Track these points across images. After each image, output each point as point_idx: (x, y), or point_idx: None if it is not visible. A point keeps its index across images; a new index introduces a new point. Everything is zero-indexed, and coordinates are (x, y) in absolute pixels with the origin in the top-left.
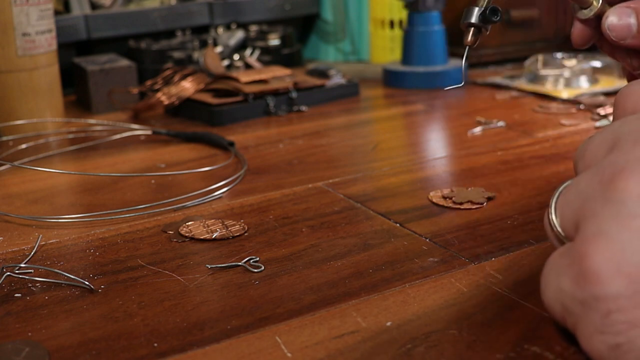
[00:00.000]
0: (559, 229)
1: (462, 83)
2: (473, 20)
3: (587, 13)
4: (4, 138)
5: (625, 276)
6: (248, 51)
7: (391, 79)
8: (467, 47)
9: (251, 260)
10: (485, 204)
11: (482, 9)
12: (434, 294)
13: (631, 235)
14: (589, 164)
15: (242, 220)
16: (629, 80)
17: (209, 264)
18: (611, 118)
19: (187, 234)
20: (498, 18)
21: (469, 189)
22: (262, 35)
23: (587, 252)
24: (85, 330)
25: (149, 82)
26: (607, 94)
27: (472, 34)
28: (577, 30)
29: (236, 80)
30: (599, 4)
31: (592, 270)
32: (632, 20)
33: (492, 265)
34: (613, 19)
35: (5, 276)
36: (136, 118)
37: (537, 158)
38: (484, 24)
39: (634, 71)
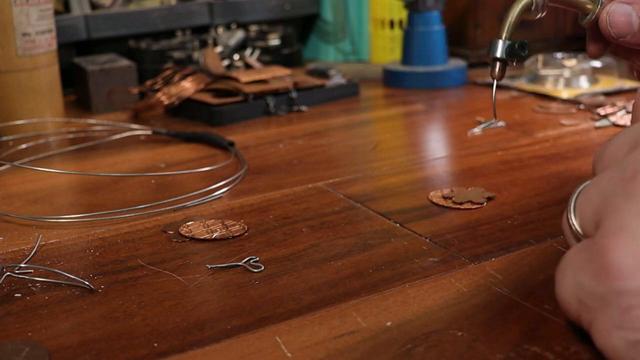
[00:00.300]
0: (578, 228)
1: (494, 120)
2: (498, 54)
3: (589, 18)
4: (4, 138)
5: None
6: (248, 51)
7: (391, 79)
8: (495, 81)
9: (251, 260)
10: (485, 204)
11: (510, 42)
12: (434, 294)
13: None
14: (608, 165)
15: (242, 220)
16: None
17: (209, 264)
18: (611, 118)
19: (187, 234)
20: (526, 53)
21: (469, 189)
22: (262, 35)
23: (608, 247)
24: (85, 330)
25: (149, 82)
26: (607, 94)
27: (500, 68)
28: (592, 46)
29: (236, 80)
30: (598, 8)
31: (614, 265)
32: (634, 19)
33: (492, 265)
34: (612, 16)
35: (5, 276)
36: (136, 118)
37: (537, 158)
38: (511, 58)
39: None
